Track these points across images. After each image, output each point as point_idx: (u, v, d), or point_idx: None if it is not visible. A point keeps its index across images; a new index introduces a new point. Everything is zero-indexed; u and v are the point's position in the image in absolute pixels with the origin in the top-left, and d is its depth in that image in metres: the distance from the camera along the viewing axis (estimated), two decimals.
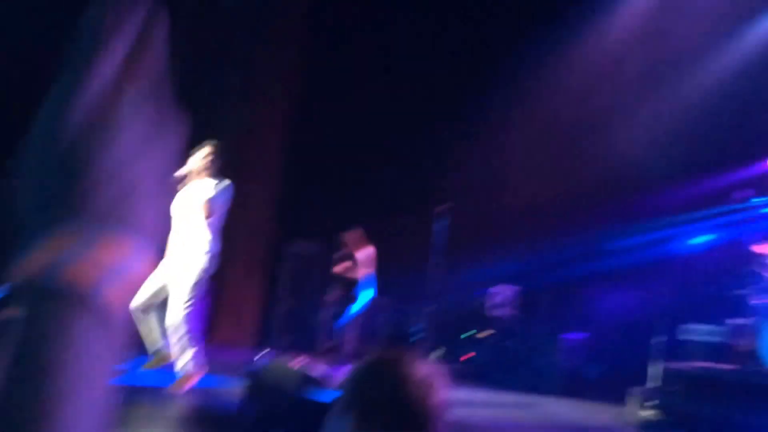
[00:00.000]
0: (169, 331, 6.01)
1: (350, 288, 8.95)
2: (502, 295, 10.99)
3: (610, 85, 11.23)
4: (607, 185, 11.02)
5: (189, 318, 6.02)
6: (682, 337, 8.76)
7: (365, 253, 9.01)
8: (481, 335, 10.60)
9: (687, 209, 10.82)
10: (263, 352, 8.92)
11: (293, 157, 11.87)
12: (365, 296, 8.93)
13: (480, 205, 11.84)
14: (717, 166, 10.87)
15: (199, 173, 6.17)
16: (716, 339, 8.44)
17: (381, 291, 9.55)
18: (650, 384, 8.10)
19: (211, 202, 6.11)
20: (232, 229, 11.31)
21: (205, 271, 6.14)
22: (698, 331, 8.76)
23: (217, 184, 6.20)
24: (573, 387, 9.38)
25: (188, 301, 6.03)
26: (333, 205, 11.39)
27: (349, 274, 8.90)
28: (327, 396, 4.55)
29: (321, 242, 11.34)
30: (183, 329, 5.99)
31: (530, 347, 9.91)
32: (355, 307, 8.81)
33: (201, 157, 6.20)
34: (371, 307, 9.21)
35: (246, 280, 11.55)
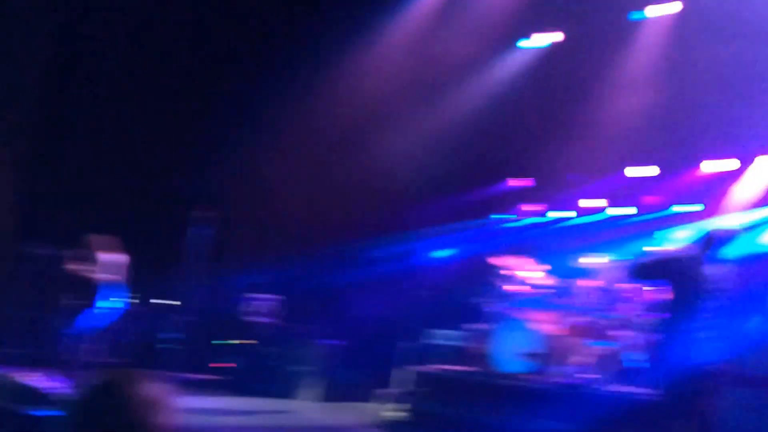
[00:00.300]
0: None
1: (90, 294, 8.42)
2: (262, 303, 10.99)
3: (373, 98, 11.66)
4: (367, 196, 11.49)
5: None
6: (426, 341, 9.36)
7: (113, 259, 8.52)
8: (240, 343, 10.51)
9: (434, 223, 11.64)
10: None
11: (40, 157, 10.99)
12: (109, 304, 8.45)
13: (243, 212, 11.77)
14: (461, 185, 11.81)
15: None
16: (455, 343, 9.14)
17: (133, 299, 9.11)
18: (395, 386, 8.57)
19: None
20: None
21: None
22: (440, 336, 9.42)
23: None
24: (329, 392, 9.62)
25: None
26: (88, 211, 10.72)
27: (90, 279, 8.36)
28: (50, 412, 4.28)
29: (66, 245, 10.59)
30: None
31: (289, 354, 10.00)
32: (97, 316, 8.30)
33: None
34: (120, 316, 8.73)
35: None
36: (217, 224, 9.85)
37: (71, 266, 8.04)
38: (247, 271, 11.41)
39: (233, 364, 10.50)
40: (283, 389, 9.65)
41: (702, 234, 5.54)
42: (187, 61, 11.74)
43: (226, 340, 10.64)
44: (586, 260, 8.39)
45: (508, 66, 11.97)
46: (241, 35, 11.81)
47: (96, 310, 8.09)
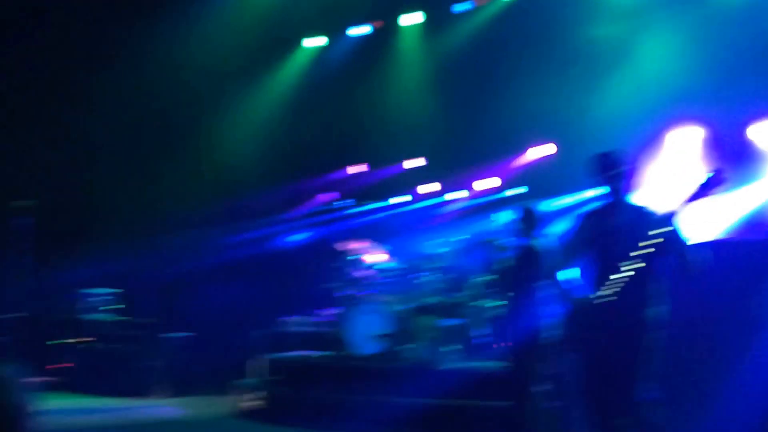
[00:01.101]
0: None
1: None
2: (97, 298, 10.58)
3: (198, 86, 11.54)
4: (214, 184, 11.42)
5: None
6: (278, 329, 9.53)
7: None
8: (76, 341, 10.06)
9: (282, 210, 11.81)
10: None
11: None
12: None
13: (70, 203, 11.22)
14: (306, 172, 12.08)
15: None
16: (309, 329, 9.39)
17: None
18: (250, 375, 8.67)
19: None
20: None
21: None
22: (292, 323, 9.63)
23: None
24: (180, 386, 9.51)
25: None
26: None
27: None
28: None
29: None
30: None
31: (133, 350, 9.74)
32: None
33: None
34: None
35: None
36: (36, 215, 9.35)
37: None
38: (75, 266, 10.92)
39: (71, 364, 10.05)
40: (130, 387, 9.42)
41: (522, 214, 6.12)
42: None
43: (60, 339, 10.14)
44: (429, 243, 8.93)
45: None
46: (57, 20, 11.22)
47: None
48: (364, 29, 12.21)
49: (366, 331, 8.39)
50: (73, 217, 11.27)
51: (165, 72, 11.24)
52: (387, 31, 12.16)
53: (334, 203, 11.88)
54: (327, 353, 8.58)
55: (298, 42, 12.46)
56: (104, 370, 9.73)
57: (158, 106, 11.40)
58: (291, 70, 12.51)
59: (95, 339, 10.07)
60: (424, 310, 8.31)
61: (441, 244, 8.84)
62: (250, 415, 8.08)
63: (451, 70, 11.40)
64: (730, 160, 8.15)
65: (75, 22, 11.01)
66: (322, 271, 9.60)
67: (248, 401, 8.35)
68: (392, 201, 11.94)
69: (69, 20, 11.01)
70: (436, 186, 11.83)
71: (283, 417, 7.67)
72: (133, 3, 11.17)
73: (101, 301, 10.63)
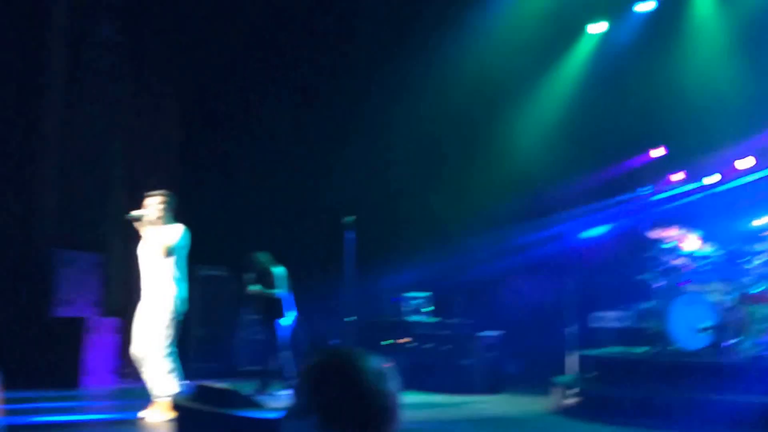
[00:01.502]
0: (150, 367, 6.53)
1: (268, 308, 9.04)
2: (416, 300, 11.31)
3: (489, 83, 11.77)
4: (510, 183, 11.63)
5: (168, 356, 6.50)
6: (593, 324, 9.39)
7: (279, 273, 9.14)
8: (399, 341, 10.86)
9: (584, 201, 11.64)
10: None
11: (194, 181, 11.76)
12: (289, 315, 9.04)
13: (382, 213, 12.11)
14: (605, 160, 11.76)
15: (154, 220, 6.65)
16: (625, 324, 9.12)
17: (297, 308, 9.65)
18: (569, 372, 8.66)
19: (170, 246, 6.59)
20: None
21: (174, 311, 6.47)
22: (608, 318, 9.42)
23: (173, 229, 6.70)
24: (494, 383, 9.83)
25: (165, 341, 6.49)
26: (235, 227, 11.43)
27: (267, 294, 8.98)
28: (261, 414, 4.69)
29: (228, 265, 11.35)
30: (163, 367, 6.49)
31: (448, 349, 10.24)
32: (283, 326, 8.91)
33: (156, 204, 6.54)
34: (294, 325, 9.33)
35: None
36: (358, 229, 10.25)
37: (250, 288, 8.60)
38: (393, 272, 11.77)
39: (391, 363, 10.87)
40: (446, 384, 9.92)
41: None
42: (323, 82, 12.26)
43: (388, 340, 11.03)
44: (757, 222, 8.16)
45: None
46: (352, 41, 12.21)
47: (282, 322, 8.68)
48: (650, 5, 11.59)
49: (689, 324, 7.94)
50: (387, 228, 12.15)
51: (457, 75, 11.73)
52: (675, 2, 11.40)
53: (638, 190, 11.39)
54: (646, 348, 8.27)
55: (581, 29, 12.21)
56: (423, 369, 10.35)
57: (452, 110, 11.93)
58: (578, 58, 12.32)
59: (414, 339, 10.76)
60: (752, 298, 7.65)
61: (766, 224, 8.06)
62: (567, 412, 8.07)
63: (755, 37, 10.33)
64: None
65: (373, 29, 11.87)
66: (634, 262, 9.26)
67: (564, 398, 8.35)
68: (705, 181, 11.11)
69: (364, 26, 11.92)
70: (749, 161, 10.78)
71: (601, 415, 7.54)
72: (424, 11, 11.78)
73: (418, 304, 11.36)
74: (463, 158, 12.15)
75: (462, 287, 11.51)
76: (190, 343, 10.89)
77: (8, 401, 7.20)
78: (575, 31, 12.27)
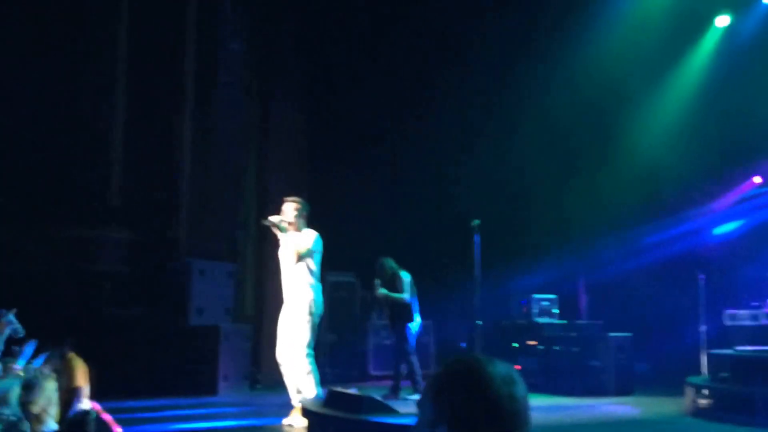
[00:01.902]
0: (290, 371, 6.82)
1: (396, 313, 9.20)
2: (544, 302, 11.20)
3: (613, 82, 11.48)
4: (639, 181, 11.28)
5: (306, 359, 6.74)
6: (726, 323, 8.95)
7: (407, 277, 9.30)
8: (528, 343, 10.80)
9: (712, 200, 11.11)
10: None
11: (321, 189, 12.22)
12: (417, 320, 9.20)
13: (509, 216, 12.06)
14: (734, 158, 11.17)
15: (289, 225, 6.95)
16: (760, 322, 8.63)
17: (423, 312, 9.80)
18: (703, 373, 8.30)
19: (304, 250, 6.88)
20: (269, 268, 11.77)
21: (310, 315, 6.76)
22: (741, 316, 8.95)
23: (306, 234, 6.95)
24: (625, 385, 9.58)
25: (303, 344, 6.75)
26: (363, 233, 11.75)
27: (396, 300, 9.15)
28: (394, 419, 4.83)
29: (356, 271, 11.68)
30: (302, 370, 6.72)
31: (577, 351, 10.09)
32: (413, 331, 9.08)
33: (290, 210, 6.84)
34: (420, 330, 9.49)
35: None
36: (486, 231, 10.26)
37: (378, 293, 8.84)
38: (521, 274, 11.70)
39: (519, 366, 10.80)
40: (579, 386, 9.76)
41: None
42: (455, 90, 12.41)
43: (517, 342, 10.99)
44: None
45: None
46: (477, 45, 12.24)
47: (410, 327, 8.84)
48: None
49: None
50: (515, 230, 12.10)
51: (584, 74, 11.58)
52: None
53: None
54: None
55: (708, 22, 11.65)
56: (552, 371, 10.24)
57: (580, 109, 11.74)
58: (704, 52, 11.81)
59: (542, 341, 10.65)
60: None
61: None
62: (700, 413, 7.75)
63: None
64: None
65: (499, 31, 11.90)
66: (765, 259, 8.76)
67: (697, 399, 8.01)
68: None
69: (490, 29, 11.95)
70: None
71: (735, 416, 7.20)
72: (550, 11, 11.67)
73: (546, 306, 11.24)
74: (591, 158, 11.95)
75: (590, 288, 11.28)
76: (321, 348, 11.30)
77: (146, 409, 7.83)
78: (702, 24, 11.74)
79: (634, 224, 11.30)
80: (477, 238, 9.06)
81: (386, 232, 11.68)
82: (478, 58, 12.17)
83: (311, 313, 6.90)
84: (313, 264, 6.97)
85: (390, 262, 9.33)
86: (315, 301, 6.93)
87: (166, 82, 10.65)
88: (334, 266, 10.71)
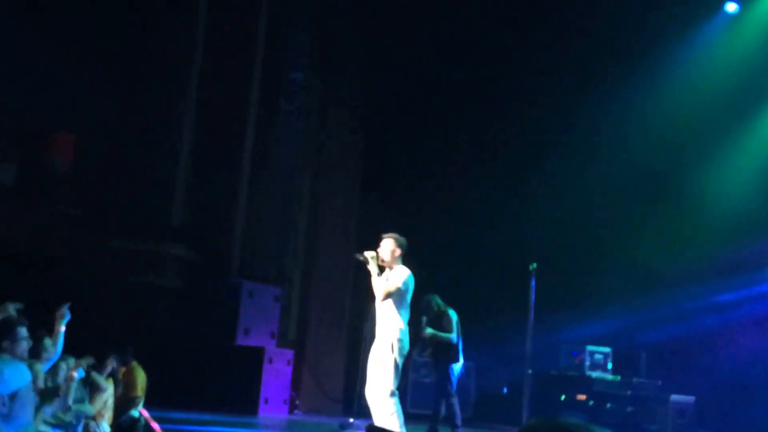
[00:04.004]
0: (376, 408, 6.79)
1: (441, 351, 9.14)
2: (597, 355, 11.00)
3: (687, 127, 11.36)
4: (718, 232, 11.05)
5: (389, 398, 6.73)
6: None
7: (451, 317, 9.25)
8: (579, 397, 10.59)
9: None
10: (349, 420, 9.16)
11: (372, 220, 12.29)
12: (460, 361, 9.12)
13: (566, 263, 11.93)
14: None
15: (385, 262, 6.93)
16: None
17: (466, 354, 9.72)
18: None
19: (392, 289, 6.82)
20: (314, 295, 11.88)
21: (396, 354, 6.79)
22: None
23: (399, 272, 6.92)
24: None
25: (387, 383, 6.73)
26: (414, 267, 11.69)
27: (442, 339, 9.08)
28: None
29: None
30: (386, 411, 6.72)
31: (633, 411, 9.85)
32: (456, 372, 9.00)
33: (388, 246, 6.90)
34: (463, 371, 9.40)
35: (330, 343, 11.97)
36: (541, 278, 10.17)
37: (425, 330, 8.81)
38: (576, 323, 11.53)
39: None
40: None
41: None
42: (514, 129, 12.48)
43: (565, 395, 10.79)
44: None
45: None
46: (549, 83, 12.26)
47: (455, 368, 8.78)
48: None
49: None
50: (572, 275, 11.96)
51: (660, 117, 11.48)
52: None
53: None
54: None
55: None
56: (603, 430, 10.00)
57: (643, 157, 11.62)
58: None
59: (592, 397, 10.42)
60: None
61: None
62: None
63: None
64: None
65: (562, 80, 11.92)
66: None
67: None
68: None
69: (567, 68, 11.99)
70: None
71: None
72: (624, 49, 11.68)
73: (599, 359, 11.02)
74: (667, 202, 11.69)
75: (649, 344, 11.03)
76: (361, 380, 11.28)
77: (189, 422, 7.91)
78: None
79: (708, 278, 10.99)
80: (533, 283, 8.99)
81: (436, 268, 11.63)
82: (546, 91, 12.17)
83: (396, 355, 6.87)
84: (402, 304, 6.96)
85: (437, 300, 9.29)
86: (401, 342, 6.90)
87: (231, 108, 11.17)
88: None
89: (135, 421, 4.61)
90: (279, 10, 11.56)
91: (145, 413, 4.90)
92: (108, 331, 6.80)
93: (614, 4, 11.30)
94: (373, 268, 6.89)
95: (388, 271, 6.94)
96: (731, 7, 11.47)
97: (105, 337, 5.13)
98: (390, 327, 6.86)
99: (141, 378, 4.84)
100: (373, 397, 6.85)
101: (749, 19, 11.45)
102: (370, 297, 8.39)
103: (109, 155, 10.46)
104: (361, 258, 6.93)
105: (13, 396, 3.84)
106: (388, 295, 6.80)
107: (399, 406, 6.82)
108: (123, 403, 4.61)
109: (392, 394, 6.79)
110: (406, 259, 7.04)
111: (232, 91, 11.12)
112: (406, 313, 6.96)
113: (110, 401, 4.48)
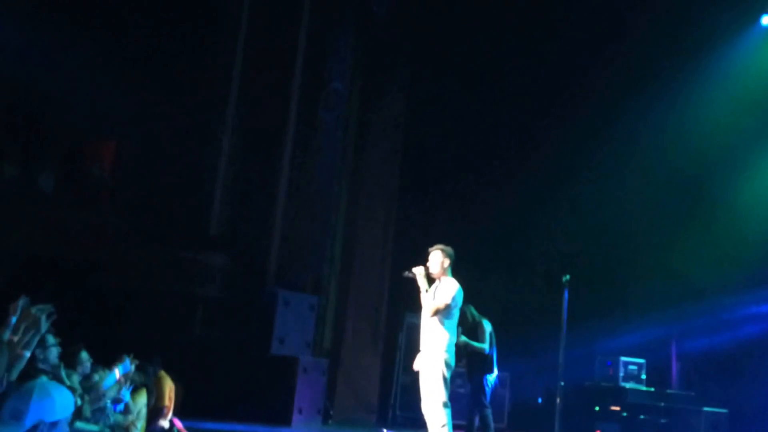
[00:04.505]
0: (429, 420, 6.83)
1: (476, 362, 9.12)
2: (631, 366, 10.89)
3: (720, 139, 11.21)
4: (738, 246, 10.90)
5: (439, 412, 6.75)
6: None
7: (486, 328, 9.22)
8: (612, 408, 10.50)
9: None
10: (383, 431, 9.18)
11: (408, 232, 12.35)
12: (495, 371, 9.11)
13: (601, 273, 11.83)
14: None
15: (435, 275, 6.97)
16: None
17: (501, 365, 9.71)
18: None
19: (440, 305, 6.84)
20: (350, 304, 11.93)
21: (443, 367, 6.81)
22: None
23: (448, 285, 6.93)
24: None
25: (436, 396, 6.76)
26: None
27: (476, 348, 9.07)
28: None
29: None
30: (437, 423, 6.76)
31: (666, 423, 9.75)
32: (490, 383, 8.98)
33: (437, 259, 6.93)
34: (497, 383, 9.37)
35: (365, 354, 12.00)
36: (578, 287, 10.11)
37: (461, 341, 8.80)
38: (604, 334, 11.43)
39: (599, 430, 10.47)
40: None
41: None
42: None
43: (600, 406, 10.70)
44: None
45: None
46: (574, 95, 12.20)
47: (489, 379, 8.77)
48: None
49: None
50: (606, 285, 11.85)
51: (683, 133, 11.34)
52: None
53: None
54: None
55: None
56: None
57: (678, 168, 11.49)
58: None
59: (626, 408, 10.31)
60: None
61: None
62: None
63: None
64: None
65: (599, 90, 11.84)
66: None
67: None
68: None
69: (605, 77, 11.92)
70: None
71: None
72: (653, 67, 11.58)
73: (632, 370, 10.91)
74: (704, 211, 11.53)
75: (683, 355, 10.89)
76: (396, 391, 11.31)
77: None
78: None
79: (744, 288, 10.80)
80: (566, 294, 8.95)
81: (472, 279, 11.61)
82: (583, 103, 12.08)
83: (443, 367, 6.88)
84: (450, 317, 6.96)
85: (472, 310, 9.27)
86: (447, 356, 6.91)
87: (270, 117, 11.20)
88: (414, 308, 10.74)
89: (166, 431, 4.73)
90: (320, 19, 11.60)
91: (178, 423, 5.01)
92: (143, 340, 6.93)
93: (652, 17, 11.21)
94: (422, 283, 6.90)
95: (438, 282, 6.96)
96: (767, 20, 11.34)
97: (141, 345, 5.24)
98: (437, 340, 6.86)
99: (168, 386, 4.95)
100: (427, 409, 6.88)
101: None
102: (415, 309, 8.51)
103: (149, 163, 10.57)
104: (411, 275, 6.94)
105: (54, 425, 3.88)
106: (438, 311, 6.81)
107: (450, 419, 6.84)
108: (152, 412, 4.72)
109: (445, 405, 6.80)
110: (453, 272, 7.06)
111: (271, 99, 11.17)
112: (453, 326, 6.97)
113: (143, 411, 4.60)
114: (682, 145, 11.29)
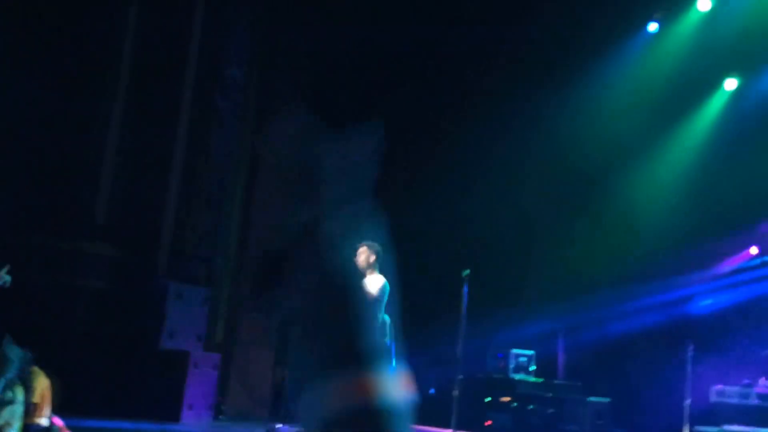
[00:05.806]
0: None
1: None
2: (521, 358, 10.99)
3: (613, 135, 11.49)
4: (631, 243, 11.18)
5: None
6: (713, 399, 8.80)
7: (388, 320, 9.07)
8: (503, 399, 10.55)
9: (701, 268, 11.02)
10: (276, 426, 8.88)
11: None
12: (393, 363, 8.94)
13: (499, 268, 11.87)
14: (729, 225, 11.11)
15: (362, 270, 6.84)
16: (748, 401, 8.49)
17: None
18: None
19: (371, 299, 6.74)
20: (244, 297, 11.46)
21: None
22: (730, 393, 8.80)
23: (374, 281, 6.92)
24: None
25: None
26: None
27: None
28: None
29: None
30: None
31: (553, 412, 9.87)
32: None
33: (364, 254, 6.86)
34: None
35: (259, 347, 11.61)
36: (477, 282, 10.10)
37: None
38: (501, 327, 11.51)
39: (489, 422, 10.53)
40: None
41: None
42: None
43: (491, 397, 10.73)
44: None
45: None
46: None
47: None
48: None
49: None
50: (505, 281, 11.91)
51: (578, 132, 11.53)
52: None
53: (765, 258, 10.69)
54: None
55: (714, 86, 11.72)
56: (528, 430, 9.98)
57: (573, 165, 11.69)
58: (710, 114, 11.79)
59: (516, 399, 10.39)
60: None
61: None
62: None
63: None
64: None
65: (493, 87, 11.86)
66: (760, 336, 8.67)
67: None
68: None
69: (487, 84, 11.91)
70: None
71: None
72: (547, 67, 11.70)
73: (522, 362, 11.02)
74: (589, 213, 11.77)
75: (570, 348, 11.09)
76: (289, 386, 10.96)
77: (106, 431, 7.51)
78: (710, 86, 11.76)
79: (625, 285, 11.14)
80: (465, 289, 8.92)
81: None
82: (477, 100, 12.07)
83: None
84: (375, 311, 6.81)
85: None
86: None
87: (162, 105, 10.66)
88: None
89: (45, 430, 4.23)
90: (217, 5, 11.10)
91: (59, 422, 4.51)
92: (20, 334, 6.35)
93: (548, 20, 11.34)
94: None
95: (365, 279, 6.85)
96: (652, 27, 11.75)
97: (18, 341, 4.72)
98: None
99: (40, 383, 4.45)
100: None
101: (668, 38, 11.71)
102: None
103: (31, 149, 9.83)
104: None
105: None
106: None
107: None
108: (27, 411, 4.22)
109: None
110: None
111: (164, 86, 10.61)
112: (380, 322, 6.94)
113: (19, 410, 4.08)
114: (576, 143, 11.48)
